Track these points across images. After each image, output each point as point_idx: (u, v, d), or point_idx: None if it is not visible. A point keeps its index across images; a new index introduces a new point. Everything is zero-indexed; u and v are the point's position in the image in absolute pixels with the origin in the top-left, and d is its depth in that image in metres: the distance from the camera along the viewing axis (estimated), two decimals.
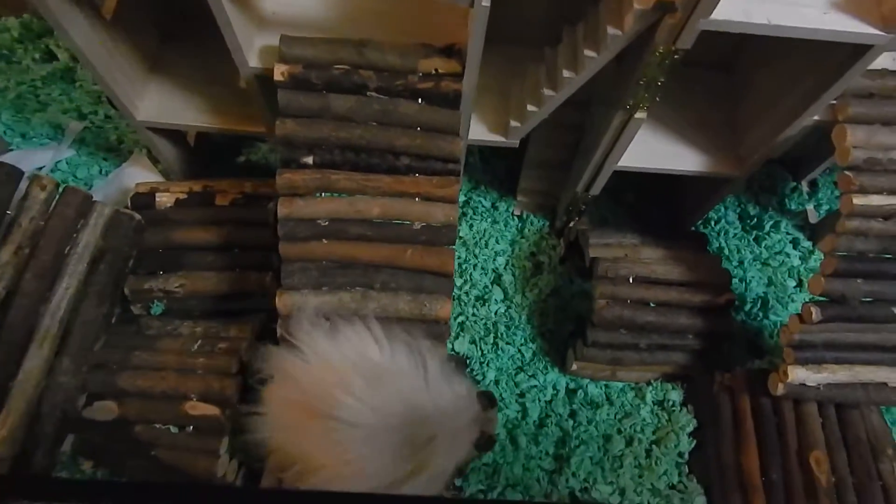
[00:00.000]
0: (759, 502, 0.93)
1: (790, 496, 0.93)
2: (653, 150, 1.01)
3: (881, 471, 0.94)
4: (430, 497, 0.81)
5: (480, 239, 1.24)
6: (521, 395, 1.13)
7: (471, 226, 1.26)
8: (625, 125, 0.89)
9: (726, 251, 1.27)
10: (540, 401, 1.13)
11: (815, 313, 0.87)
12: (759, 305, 1.22)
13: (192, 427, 0.90)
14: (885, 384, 0.95)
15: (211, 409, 0.89)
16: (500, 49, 1.03)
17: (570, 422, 1.11)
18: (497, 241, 1.25)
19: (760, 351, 1.19)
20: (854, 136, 0.81)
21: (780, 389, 0.95)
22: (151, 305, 1.02)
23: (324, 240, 0.83)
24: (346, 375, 0.77)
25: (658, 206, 1.30)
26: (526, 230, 1.27)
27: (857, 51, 0.72)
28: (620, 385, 1.15)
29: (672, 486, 1.05)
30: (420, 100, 0.81)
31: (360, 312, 0.86)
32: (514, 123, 0.95)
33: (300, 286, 0.84)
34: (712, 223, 1.29)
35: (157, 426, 0.89)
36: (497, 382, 1.14)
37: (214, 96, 1.01)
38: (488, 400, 0.87)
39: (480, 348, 1.16)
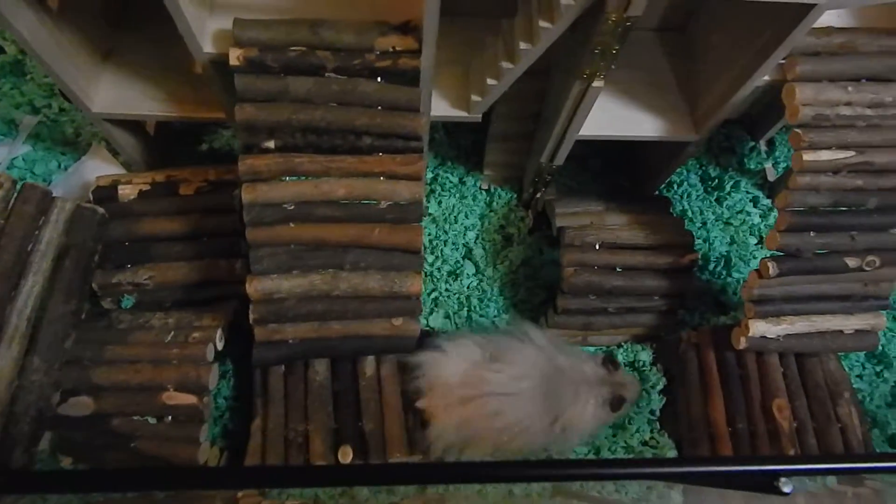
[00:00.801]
0: (726, 450, 0.97)
1: (755, 443, 0.97)
2: (613, 117, 1.02)
3: (839, 413, 0.99)
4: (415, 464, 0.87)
5: (450, 215, 1.25)
6: None
7: (439, 202, 1.26)
8: (583, 94, 0.90)
9: (689, 213, 1.30)
10: None
11: (772, 268, 0.90)
12: (722, 264, 1.26)
13: (170, 417, 0.90)
14: (841, 331, 0.99)
15: (188, 398, 0.89)
16: (461, 22, 1.03)
17: None
18: (466, 216, 1.26)
19: (725, 307, 1.23)
20: (802, 94, 0.83)
21: (742, 343, 0.99)
22: (122, 299, 1.02)
23: (291, 223, 0.83)
24: (479, 356, 0.94)
25: (623, 171, 1.33)
26: (494, 203, 1.28)
27: (801, 10, 0.74)
28: (593, 349, 1.18)
29: (644, 443, 1.09)
30: (379, 78, 0.81)
31: (331, 294, 0.87)
32: (475, 98, 0.95)
33: (270, 271, 0.84)
34: (675, 186, 1.32)
35: (135, 418, 0.90)
36: None
37: (171, 84, 0.99)
38: (611, 363, 0.99)
39: (455, 322, 1.18)
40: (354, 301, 0.87)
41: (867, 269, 0.92)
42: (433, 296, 1.20)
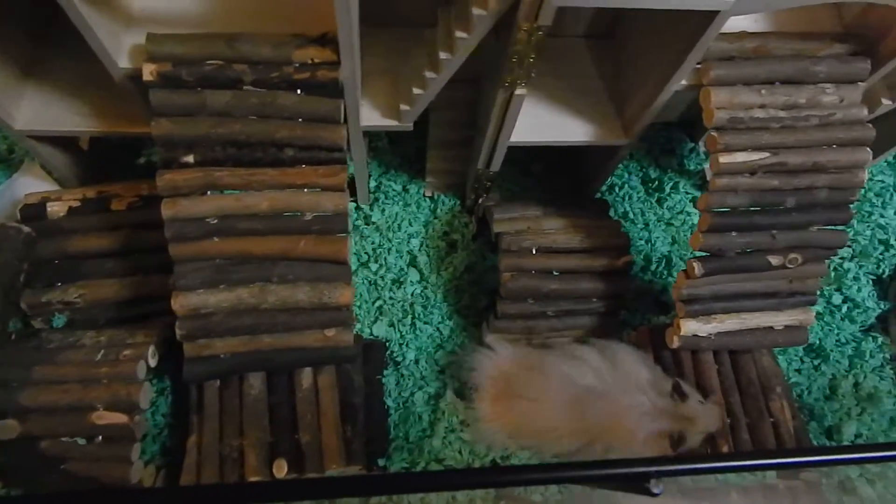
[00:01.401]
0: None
1: None
2: (543, 123, 1.04)
3: (771, 408, 1.01)
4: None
5: (393, 223, 1.26)
6: (441, 371, 1.16)
7: (383, 210, 1.27)
8: (508, 102, 0.91)
9: (631, 215, 1.32)
10: (460, 375, 1.16)
11: (698, 268, 0.92)
12: (663, 264, 1.28)
13: (101, 437, 0.89)
14: (771, 328, 1.02)
15: (118, 417, 0.88)
16: (391, 32, 1.04)
17: None
18: (410, 224, 1.26)
19: (666, 307, 1.25)
20: (717, 97, 0.85)
21: (675, 342, 1.01)
22: (52, 318, 1.00)
23: (215, 238, 0.83)
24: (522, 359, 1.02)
25: (565, 175, 1.34)
26: (438, 210, 1.29)
27: (707, 16, 0.75)
28: None
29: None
30: (299, 90, 0.81)
31: (260, 307, 0.86)
32: (404, 107, 0.96)
33: (196, 286, 0.84)
34: (616, 189, 1.34)
35: (65, 440, 0.88)
36: (417, 362, 1.16)
37: (96, 98, 0.98)
38: (678, 392, 0.93)
39: (399, 330, 1.18)
40: (284, 313, 0.87)
41: (790, 266, 0.94)
42: (377, 304, 1.20)
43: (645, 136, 1.37)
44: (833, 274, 1.28)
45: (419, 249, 1.25)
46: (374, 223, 1.25)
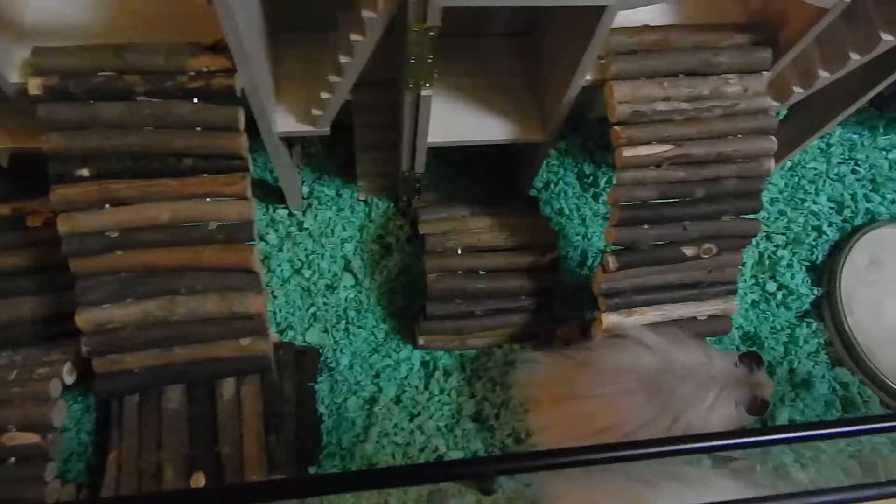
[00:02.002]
0: None
1: None
2: (462, 123, 1.03)
3: None
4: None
5: (326, 228, 1.25)
6: (377, 375, 1.15)
7: (315, 216, 1.26)
8: (416, 103, 0.90)
9: (566, 211, 1.32)
10: (395, 378, 1.15)
11: (612, 262, 0.93)
12: (600, 258, 1.28)
13: (13, 458, 0.87)
14: (695, 318, 1.02)
15: (31, 437, 0.87)
16: (308, 37, 1.03)
17: (426, 393, 1.14)
18: (344, 228, 1.26)
19: None
20: (620, 92, 0.86)
21: (598, 337, 1.01)
22: None
23: (117, 251, 0.82)
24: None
25: (501, 174, 1.34)
26: (373, 213, 1.28)
27: (597, 12, 0.76)
28: (474, 352, 1.19)
29: (519, 441, 1.10)
30: (195, 99, 0.80)
31: (169, 319, 0.85)
32: (315, 111, 0.95)
33: (100, 301, 0.83)
34: (552, 185, 1.34)
35: None
36: (351, 367, 1.16)
37: (13, 114, 0.96)
38: (754, 361, 0.94)
39: (333, 336, 1.17)
40: (195, 325, 0.86)
41: (705, 256, 0.94)
42: (311, 311, 1.19)
43: (580, 132, 1.38)
44: (767, 262, 1.29)
45: (353, 254, 1.24)
46: (306, 229, 1.24)
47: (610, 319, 0.99)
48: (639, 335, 0.96)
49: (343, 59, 0.83)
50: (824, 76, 0.95)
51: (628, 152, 0.85)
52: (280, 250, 1.22)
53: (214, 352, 0.89)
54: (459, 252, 1.08)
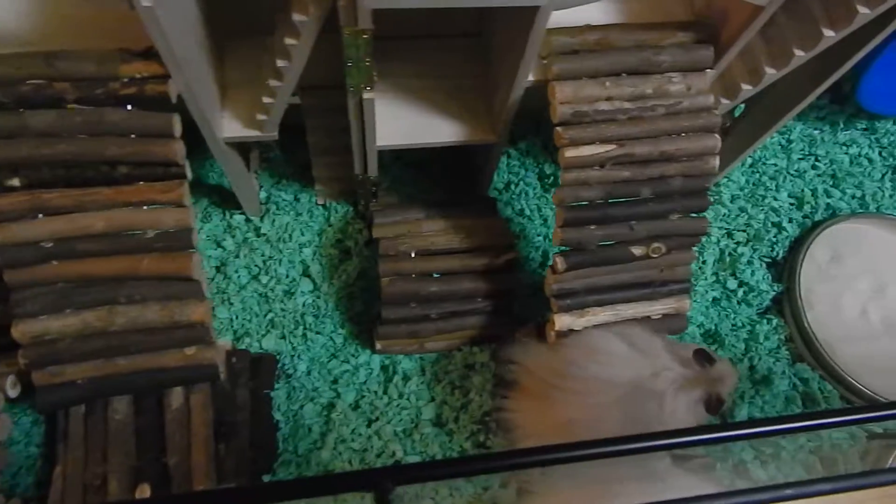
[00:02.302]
0: None
1: None
2: (412, 125, 1.03)
3: None
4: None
5: (284, 233, 1.24)
6: (335, 381, 1.14)
7: (273, 221, 1.25)
8: (360, 106, 0.90)
9: (527, 211, 1.31)
10: (354, 384, 1.14)
11: (560, 263, 0.92)
12: None
13: None
14: (649, 317, 1.02)
15: None
16: (254, 41, 1.02)
17: (385, 398, 1.13)
18: (302, 233, 1.25)
19: None
20: (562, 92, 0.85)
21: (552, 338, 1.00)
22: None
23: (53, 262, 0.81)
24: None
25: (461, 176, 1.33)
26: (332, 218, 1.27)
27: (531, 12, 0.75)
28: (434, 355, 1.18)
29: (479, 445, 1.09)
30: (129, 106, 0.79)
31: (108, 329, 0.84)
32: (260, 116, 0.94)
33: (36, 312, 0.81)
34: (513, 186, 1.34)
35: None
36: (309, 373, 1.15)
37: None
38: (705, 358, 0.91)
39: (290, 342, 1.16)
40: (136, 334, 0.85)
41: (654, 255, 0.94)
42: (269, 317, 1.18)
43: (540, 132, 1.37)
44: (728, 259, 1.29)
45: (312, 259, 1.23)
46: (264, 235, 1.23)
47: (562, 320, 0.98)
48: (606, 344, 0.95)
49: (280, 63, 0.82)
50: (771, 73, 0.94)
51: (570, 153, 0.84)
52: (237, 256, 1.21)
53: (159, 361, 0.88)
54: (413, 255, 1.07)
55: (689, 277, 1.01)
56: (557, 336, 1.00)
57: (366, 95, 0.87)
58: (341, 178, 1.23)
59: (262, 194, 1.27)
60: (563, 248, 0.93)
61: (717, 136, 0.88)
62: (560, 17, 0.88)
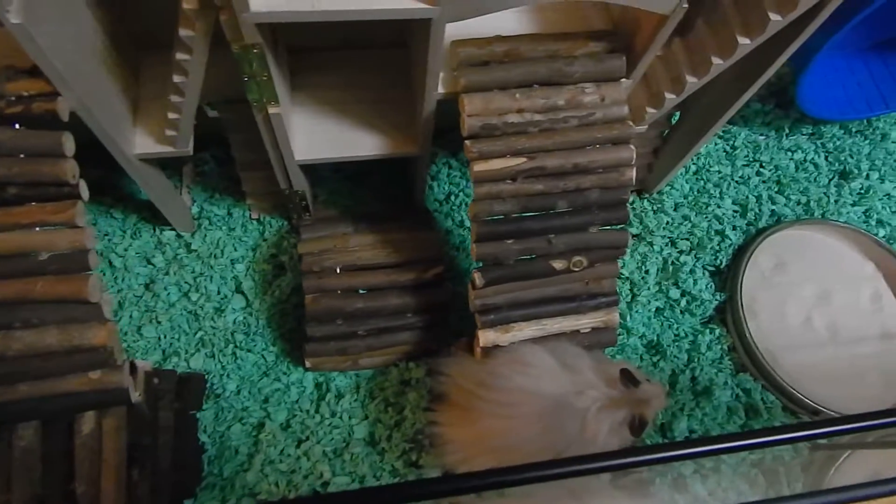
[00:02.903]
0: None
1: None
2: (333, 139, 1.00)
3: None
4: None
5: (216, 249, 1.21)
6: (266, 400, 1.12)
7: (205, 237, 1.22)
8: (267, 121, 0.88)
9: (468, 223, 1.29)
10: (285, 402, 1.12)
11: (478, 279, 0.90)
12: None
13: None
14: (578, 331, 1.00)
15: None
16: (168, 56, 1.00)
17: (316, 417, 1.11)
18: (235, 249, 1.22)
19: None
20: (471, 104, 0.83)
21: (478, 354, 0.98)
22: None
23: None
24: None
25: (398, 187, 1.31)
26: (267, 232, 1.25)
27: (424, 25, 0.73)
28: (370, 372, 1.16)
29: (411, 464, 1.07)
30: (17, 125, 0.76)
31: (5, 355, 0.81)
32: (168, 132, 0.92)
33: None
34: (453, 197, 1.31)
35: None
36: (239, 392, 1.12)
37: None
38: (630, 379, 0.88)
39: (220, 361, 1.14)
40: (35, 360, 0.82)
41: (576, 269, 0.92)
42: (198, 335, 1.15)
43: None
44: (671, 268, 1.27)
45: (245, 275, 1.21)
46: (195, 251, 1.21)
47: (487, 336, 0.96)
48: (533, 358, 0.93)
49: (177, 78, 0.80)
50: (692, 81, 0.93)
51: (479, 166, 0.83)
52: (167, 273, 1.19)
53: (63, 386, 0.85)
54: (338, 271, 1.05)
55: (616, 290, 0.99)
56: (483, 352, 0.98)
57: (272, 110, 0.85)
58: (272, 192, 1.21)
59: (195, 209, 1.25)
60: (482, 263, 0.91)
61: (631, 147, 0.87)
62: (473, 28, 0.86)
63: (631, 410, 0.89)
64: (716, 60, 0.89)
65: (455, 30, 0.83)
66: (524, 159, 0.83)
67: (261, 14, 0.67)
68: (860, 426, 0.81)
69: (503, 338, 0.96)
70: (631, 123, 0.86)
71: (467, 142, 0.83)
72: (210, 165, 1.29)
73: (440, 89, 0.86)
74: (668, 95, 0.97)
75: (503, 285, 0.92)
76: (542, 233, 0.88)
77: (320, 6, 0.67)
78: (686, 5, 0.76)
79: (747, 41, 0.85)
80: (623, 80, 0.88)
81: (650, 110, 1.01)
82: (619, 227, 0.91)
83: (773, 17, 0.81)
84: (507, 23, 0.91)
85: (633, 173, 0.88)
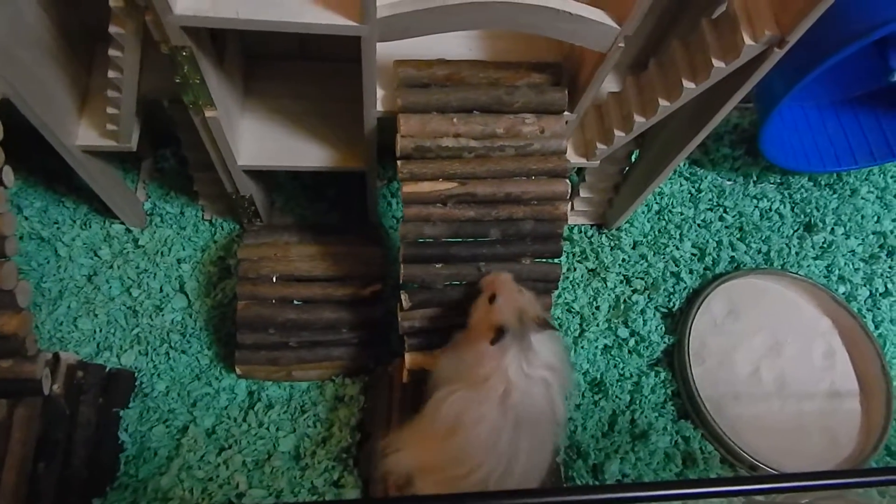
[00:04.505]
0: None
1: None
2: (280, 147, 1.00)
3: None
4: None
5: (163, 246, 1.21)
6: (194, 403, 1.10)
7: (154, 234, 1.22)
8: (205, 125, 0.87)
9: None
10: (214, 408, 1.10)
11: (405, 300, 0.89)
12: None
13: None
14: None
15: None
16: None
17: (243, 426, 1.09)
18: (183, 248, 1.22)
19: None
20: (406, 125, 0.83)
21: (406, 377, 0.96)
22: None
23: None
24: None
25: (356, 199, 1.30)
26: (218, 234, 1.24)
27: (353, 44, 0.73)
28: (306, 385, 1.14)
29: (333, 483, 1.05)
30: None
31: None
32: (109, 126, 0.92)
33: None
34: None
35: None
36: (168, 393, 1.11)
37: None
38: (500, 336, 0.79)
39: (153, 359, 1.12)
40: None
41: None
42: (135, 332, 1.14)
43: None
44: (622, 306, 1.26)
45: (190, 275, 1.20)
46: (142, 247, 1.20)
47: (414, 359, 0.94)
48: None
49: (113, 74, 0.80)
50: (640, 121, 0.92)
51: (409, 188, 0.82)
52: (111, 267, 1.18)
53: None
54: (274, 280, 1.03)
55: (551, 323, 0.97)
56: (410, 375, 0.96)
57: (208, 114, 0.85)
58: (225, 194, 1.20)
59: (148, 205, 1.24)
60: (411, 284, 0.90)
61: (566, 181, 0.86)
62: (419, 49, 0.86)
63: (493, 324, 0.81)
64: (663, 102, 0.88)
65: (400, 50, 0.83)
66: (455, 184, 0.82)
67: (184, 17, 0.67)
68: (797, 486, 0.78)
69: (431, 362, 0.95)
70: (568, 158, 0.85)
71: (399, 162, 0.82)
72: (170, 163, 1.29)
73: (379, 107, 0.86)
74: (618, 133, 0.96)
75: (431, 309, 0.90)
76: (473, 259, 0.87)
77: (244, 14, 0.67)
78: (622, 45, 0.75)
79: (692, 85, 0.84)
80: (566, 113, 0.87)
81: (600, 146, 1.00)
82: (552, 260, 0.90)
83: (717, 63, 0.80)
84: (456, 48, 0.91)
85: (567, 208, 0.87)
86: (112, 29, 0.72)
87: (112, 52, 0.76)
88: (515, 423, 0.80)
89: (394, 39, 0.72)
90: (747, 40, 0.76)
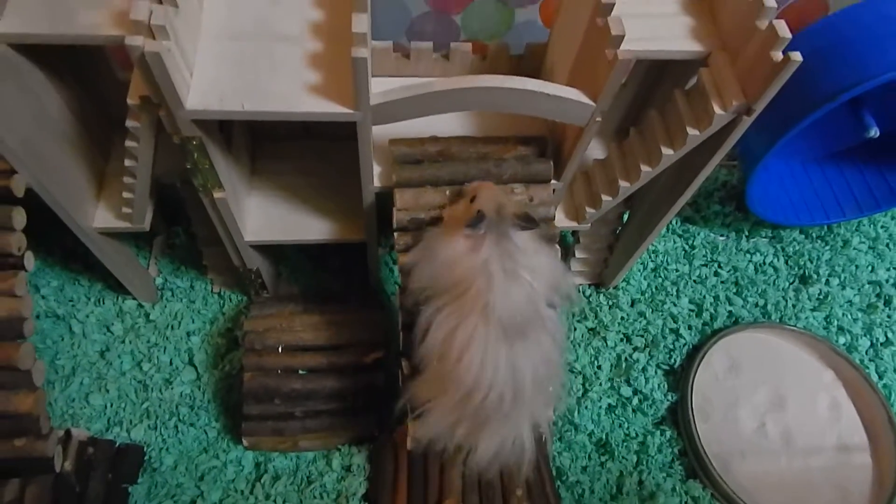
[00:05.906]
0: None
1: None
2: (282, 222, 1.05)
3: None
4: None
5: (173, 320, 1.25)
6: (201, 477, 1.11)
7: (165, 308, 1.26)
8: (214, 205, 0.93)
9: None
10: (221, 481, 1.11)
11: (406, 367, 0.91)
12: None
13: None
14: None
15: None
16: None
17: (251, 499, 1.09)
18: (192, 321, 1.25)
19: None
20: (401, 199, 0.87)
21: (409, 444, 0.97)
22: None
23: None
24: None
25: (358, 268, 1.35)
26: (226, 306, 1.28)
27: (351, 126, 0.79)
28: (312, 454, 1.15)
29: None
30: None
31: None
32: (125, 209, 0.97)
33: None
34: None
35: None
36: (176, 467, 1.12)
37: None
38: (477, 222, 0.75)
39: (161, 433, 1.14)
40: None
41: None
42: (144, 406, 1.17)
43: None
44: (623, 364, 1.27)
45: (199, 347, 1.23)
46: (152, 321, 1.24)
47: (416, 429, 0.95)
48: None
49: (129, 162, 0.86)
50: (625, 186, 0.97)
51: (405, 258, 0.86)
52: (123, 342, 1.22)
53: None
54: (280, 350, 1.06)
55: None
56: (413, 444, 0.97)
57: (217, 195, 0.90)
58: (233, 267, 1.25)
59: (159, 280, 1.29)
60: None
61: (556, 247, 0.89)
62: (412, 128, 0.92)
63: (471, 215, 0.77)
64: (644, 168, 0.93)
65: (395, 129, 0.89)
66: None
67: (194, 112, 0.73)
68: None
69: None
70: (557, 224, 0.89)
71: (395, 234, 0.87)
72: (181, 239, 1.34)
73: (376, 183, 0.91)
74: (605, 197, 1.01)
75: None
76: None
77: (249, 107, 0.73)
78: (599, 119, 0.81)
79: (671, 152, 0.89)
80: (553, 181, 0.92)
81: (589, 210, 1.04)
82: None
83: (692, 131, 0.86)
84: (448, 125, 0.96)
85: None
86: (129, 123, 0.78)
87: (128, 143, 0.82)
88: (504, 333, 0.74)
89: (386, 123, 0.78)
90: (717, 110, 0.81)
